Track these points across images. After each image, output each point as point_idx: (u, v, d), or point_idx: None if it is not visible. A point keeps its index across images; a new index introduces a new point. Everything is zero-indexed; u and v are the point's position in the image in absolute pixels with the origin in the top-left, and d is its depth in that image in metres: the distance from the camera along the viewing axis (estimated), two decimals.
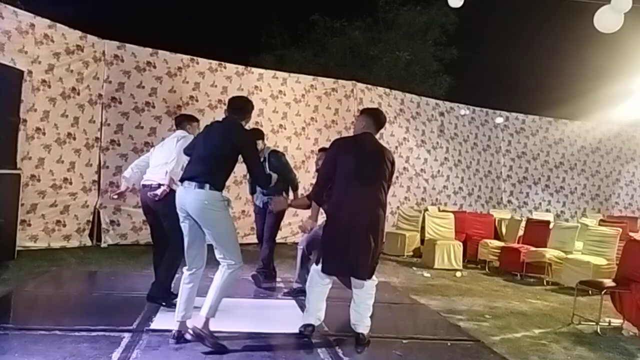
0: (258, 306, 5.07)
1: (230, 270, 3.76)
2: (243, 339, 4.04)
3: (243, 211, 9.51)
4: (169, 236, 4.56)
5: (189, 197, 3.74)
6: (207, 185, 3.71)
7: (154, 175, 4.75)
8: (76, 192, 8.20)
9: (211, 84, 9.59)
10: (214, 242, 3.78)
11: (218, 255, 3.80)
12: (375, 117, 4.38)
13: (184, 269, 3.92)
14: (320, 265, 4.10)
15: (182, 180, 3.86)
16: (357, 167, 4.07)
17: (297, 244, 5.75)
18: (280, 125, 10.32)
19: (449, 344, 4.40)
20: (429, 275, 7.91)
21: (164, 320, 4.32)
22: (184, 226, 3.86)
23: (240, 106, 4.14)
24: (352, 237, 3.98)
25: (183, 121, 5.12)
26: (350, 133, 10.90)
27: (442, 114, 12.75)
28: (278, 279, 6.02)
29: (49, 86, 7.75)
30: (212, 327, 3.83)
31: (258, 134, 5.76)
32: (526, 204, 13.70)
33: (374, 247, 4.05)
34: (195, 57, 9.53)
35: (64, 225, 8.03)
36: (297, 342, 4.10)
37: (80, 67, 8.24)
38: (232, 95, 4.54)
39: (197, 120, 5.19)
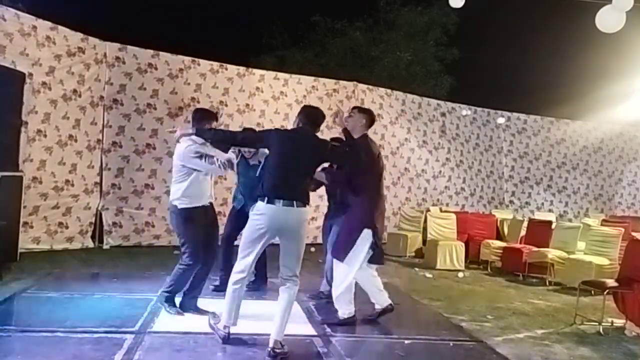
0: (260, 307, 5.05)
1: (297, 287, 3.88)
2: (245, 339, 4.04)
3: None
4: (186, 252, 4.46)
5: (291, 216, 3.77)
6: (306, 205, 3.88)
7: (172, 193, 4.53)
8: (78, 194, 8.21)
9: (212, 85, 9.59)
10: (295, 258, 3.86)
11: (288, 273, 3.84)
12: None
13: (237, 277, 3.86)
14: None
15: (273, 199, 3.74)
16: None
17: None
18: (282, 127, 10.31)
19: (451, 344, 4.40)
20: (431, 276, 7.90)
21: (166, 322, 4.33)
22: (260, 243, 3.82)
23: (317, 121, 4.10)
24: None
25: (203, 119, 4.52)
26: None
27: (443, 114, 12.74)
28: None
29: (50, 88, 7.76)
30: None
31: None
32: (528, 204, 13.68)
33: None
34: (196, 59, 9.53)
35: (66, 227, 8.03)
36: (299, 342, 4.10)
37: (82, 69, 8.25)
38: (306, 105, 4.47)
39: (217, 119, 4.69)
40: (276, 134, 4.03)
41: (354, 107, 5.11)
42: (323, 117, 4.15)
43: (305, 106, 4.36)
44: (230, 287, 3.89)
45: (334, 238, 4.93)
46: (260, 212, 3.77)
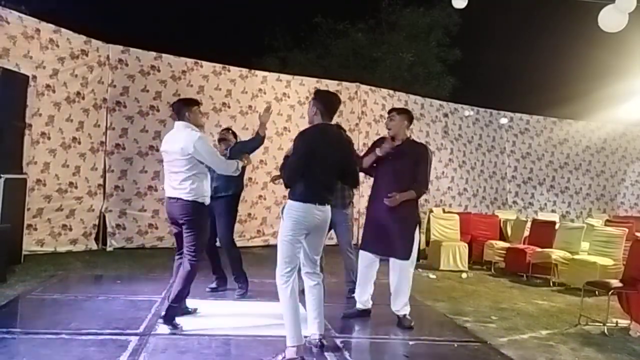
0: (264, 309, 5.06)
1: (321, 280, 4.00)
2: (250, 341, 4.04)
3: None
4: (193, 248, 4.23)
5: (324, 215, 3.88)
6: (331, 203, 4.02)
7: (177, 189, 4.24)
8: (82, 196, 8.23)
9: (215, 87, 9.61)
10: (319, 252, 4.01)
11: (311, 267, 3.94)
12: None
13: (287, 278, 3.79)
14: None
15: (314, 201, 3.79)
16: None
17: None
18: (285, 128, 10.33)
19: (455, 345, 4.39)
20: (434, 276, 7.89)
21: None
22: (299, 243, 3.81)
23: (335, 110, 4.04)
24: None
25: (181, 109, 4.36)
26: (355, 135, 11.00)
27: (446, 115, 12.74)
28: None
29: (54, 91, 7.78)
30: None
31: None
32: (531, 205, 13.66)
33: None
34: (199, 61, 9.55)
35: (70, 230, 8.05)
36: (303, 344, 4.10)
37: (85, 71, 8.28)
38: (322, 91, 4.24)
39: (197, 104, 4.48)
40: (306, 140, 3.89)
41: (392, 110, 5.00)
42: (339, 102, 4.10)
43: (321, 92, 4.13)
44: (285, 293, 3.75)
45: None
46: (299, 211, 3.76)
